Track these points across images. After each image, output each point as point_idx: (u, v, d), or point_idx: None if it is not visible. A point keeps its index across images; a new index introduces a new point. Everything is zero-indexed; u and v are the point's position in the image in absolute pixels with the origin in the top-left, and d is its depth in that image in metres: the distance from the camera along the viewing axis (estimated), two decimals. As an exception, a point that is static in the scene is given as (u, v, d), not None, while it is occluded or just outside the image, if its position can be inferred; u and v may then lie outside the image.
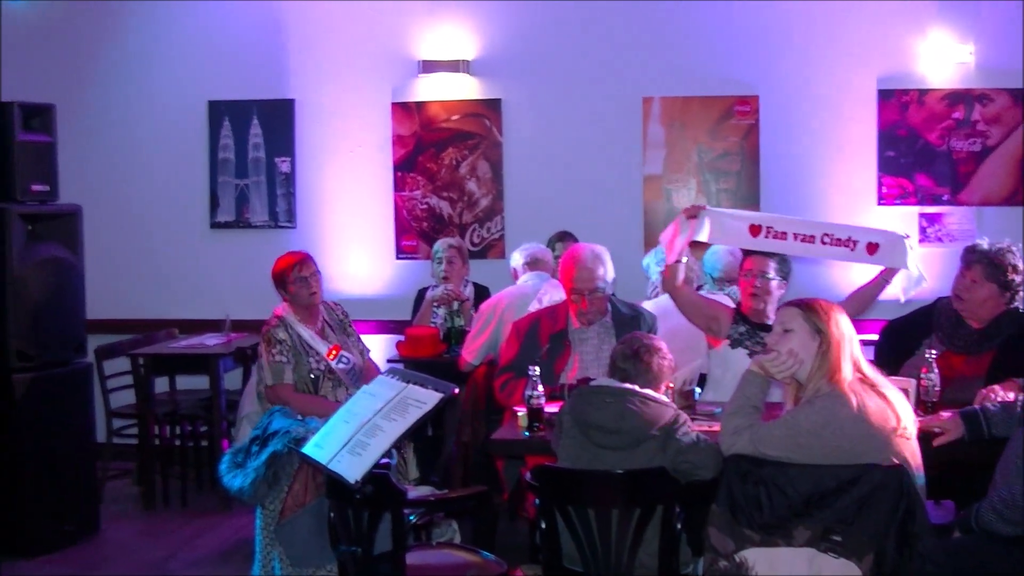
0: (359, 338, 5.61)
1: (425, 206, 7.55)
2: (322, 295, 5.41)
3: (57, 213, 6.15)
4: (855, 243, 4.76)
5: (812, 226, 4.81)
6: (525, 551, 4.66)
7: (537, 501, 3.68)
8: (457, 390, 3.65)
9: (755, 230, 4.74)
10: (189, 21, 7.72)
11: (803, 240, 4.74)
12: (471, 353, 5.81)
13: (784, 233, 4.74)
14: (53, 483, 6.00)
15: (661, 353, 3.96)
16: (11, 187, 6.00)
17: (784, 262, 4.93)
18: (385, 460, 3.55)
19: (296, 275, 5.29)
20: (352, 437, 3.55)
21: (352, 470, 3.42)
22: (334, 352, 5.29)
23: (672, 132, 7.27)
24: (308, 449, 3.73)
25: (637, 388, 3.83)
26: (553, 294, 5.56)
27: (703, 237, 4.79)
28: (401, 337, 6.52)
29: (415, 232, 7.56)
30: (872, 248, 4.76)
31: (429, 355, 6.24)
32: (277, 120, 7.61)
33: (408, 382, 3.69)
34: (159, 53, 7.76)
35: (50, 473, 5.99)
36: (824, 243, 4.75)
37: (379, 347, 6.77)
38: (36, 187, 6.07)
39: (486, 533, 4.99)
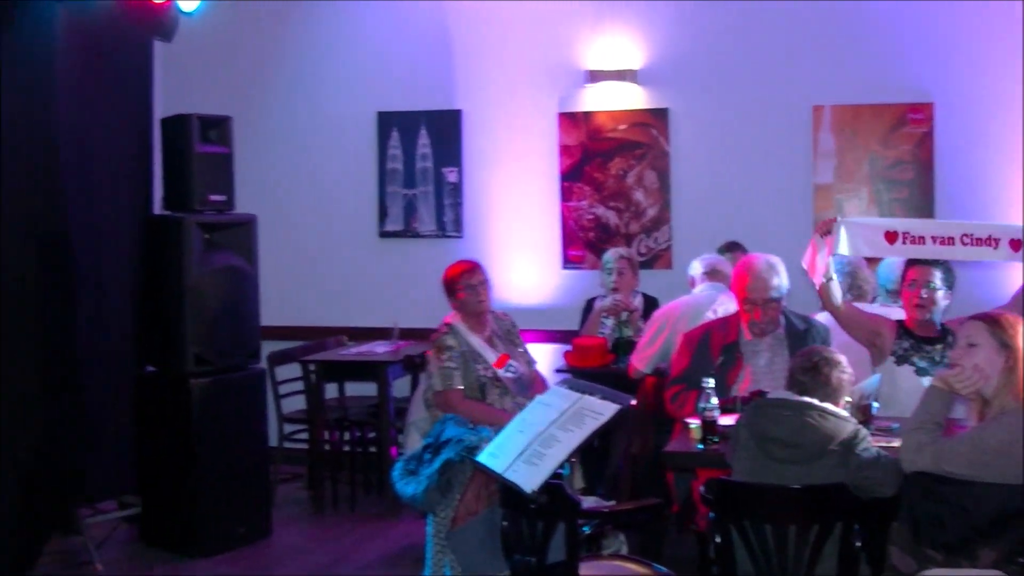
0: (526, 349, 5.66)
1: (592, 216, 7.57)
2: (491, 304, 5.48)
3: (233, 222, 6.34)
4: (996, 241, 4.58)
5: (950, 227, 4.65)
6: (692, 564, 4.73)
7: (711, 515, 3.65)
8: (634, 402, 3.66)
9: (891, 237, 4.61)
10: (359, 34, 7.87)
11: (942, 243, 4.59)
12: (642, 362, 5.80)
13: (922, 237, 4.60)
14: (227, 485, 6.15)
15: (840, 367, 3.90)
16: (189, 197, 6.20)
17: (949, 271, 4.80)
18: (559, 470, 3.55)
19: (465, 283, 5.39)
20: (528, 447, 3.56)
21: (529, 480, 3.44)
22: (502, 361, 5.35)
23: (843, 140, 7.13)
24: (483, 458, 3.76)
25: (816, 402, 3.77)
26: (728, 305, 5.52)
27: (843, 250, 4.67)
28: (568, 347, 6.53)
29: (581, 242, 7.57)
30: (1016, 244, 4.57)
31: (597, 365, 6.24)
32: (445, 131, 7.72)
33: (583, 393, 3.69)
34: (330, 65, 7.93)
35: (225, 476, 6.14)
36: (964, 244, 4.59)
37: (545, 356, 6.81)
38: (213, 197, 6.25)
39: (654, 545, 4.99)
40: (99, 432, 6.28)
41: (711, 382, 4.34)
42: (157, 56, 7.00)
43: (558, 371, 6.43)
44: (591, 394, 3.67)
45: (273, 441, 6.96)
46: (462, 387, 5.25)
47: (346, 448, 7.21)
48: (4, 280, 5.65)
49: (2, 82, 5.61)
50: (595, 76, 7.41)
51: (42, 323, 5.77)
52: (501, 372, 5.33)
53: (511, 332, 5.61)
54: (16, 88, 5.68)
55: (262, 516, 6.42)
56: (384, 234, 7.87)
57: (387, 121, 7.85)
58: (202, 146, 6.21)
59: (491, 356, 5.36)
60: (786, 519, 3.49)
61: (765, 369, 4.90)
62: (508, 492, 3.69)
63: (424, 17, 7.73)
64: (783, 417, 3.74)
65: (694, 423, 4.34)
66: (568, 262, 7.58)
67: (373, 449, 7.15)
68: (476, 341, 5.38)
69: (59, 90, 5.96)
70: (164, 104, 7.13)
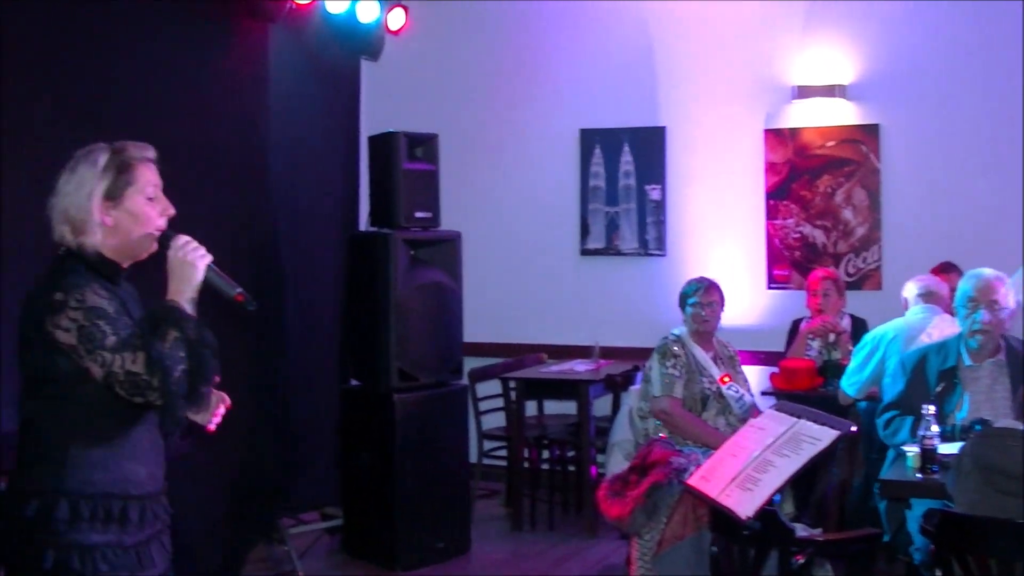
0: (745, 378, 5.65)
1: (798, 235, 7.46)
2: (718, 323, 5.52)
3: (438, 239, 6.41)
4: None
5: None
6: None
7: (932, 547, 3.56)
8: (855, 428, 3.61)
9: None
10: (563, 52, 7.93)
11: None
12: (853, 387, 5.68)
13: None
14: (428, 500, 6.20)
15: (1075, 398, 3.74)
16: (396, 214, 6.27)
17: None
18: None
19: (696, 299, 5.46)
20: (741, 471, 3.56)
21: (743, 505, 3.43)
22: (726, 379, 5.37)
23: (1069, 155, 6.81)
24: (694, 481, 3.76)
25: (1046, 433, 3.64)
26: (943, 328, 5.37)
27: None
28: (773, 369, 6.46)
29: (787, 261, 7.47)
30: None
31: (805, 388, 6.15)
32: (648, 148, 7.71)
33: (799, 417, 3.66)
34: (534, 83, 8.00)
35: (425, 490, 6.18)
36: None
37: (750, 378, 6.62)
38: (419, 214, 6.33)
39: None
40: (303, 444, 6.41)
41: (931, 409, 4.22)
42: (364, 75, 7.12)
43: (764, 394, 6.35)
44: (808, 419, 3.63)
45: (473, 457, 7.01)
46: (681, 397, 5.27)
47: (545, 466, 7.23)
48: (219, 295, 5.78)
49: (217, 101, 5.76)
50: (803, 92, 7.31)
51: (251, 336, 5.90)
52: (725, 389, 5.34)
53: (733, 359, 5.64)
54: (230, 107, 5.85)
55: (461, 532, 6.46)
56: (586, 252, 7.89)
57: (590, 138, 7.88)
58: (409, 163, 6.29)
59: (716, 372, 5.39)
60: (1013, 555, 3.37)
61: (984, 396, 4.72)
62: (719, 517, 3.68)
63: (627, 33, 7.74)
64: (1010, 448, 3.62)
65: (911, 451, 4.24)
66: (773, 282, 7.49)
67: (572, 468, 7.16)
68: (701, 354, 5.43)
69: (270, 109, 6.12)
70: (369, 122, 7.25)
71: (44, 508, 2.67)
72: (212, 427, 2.98)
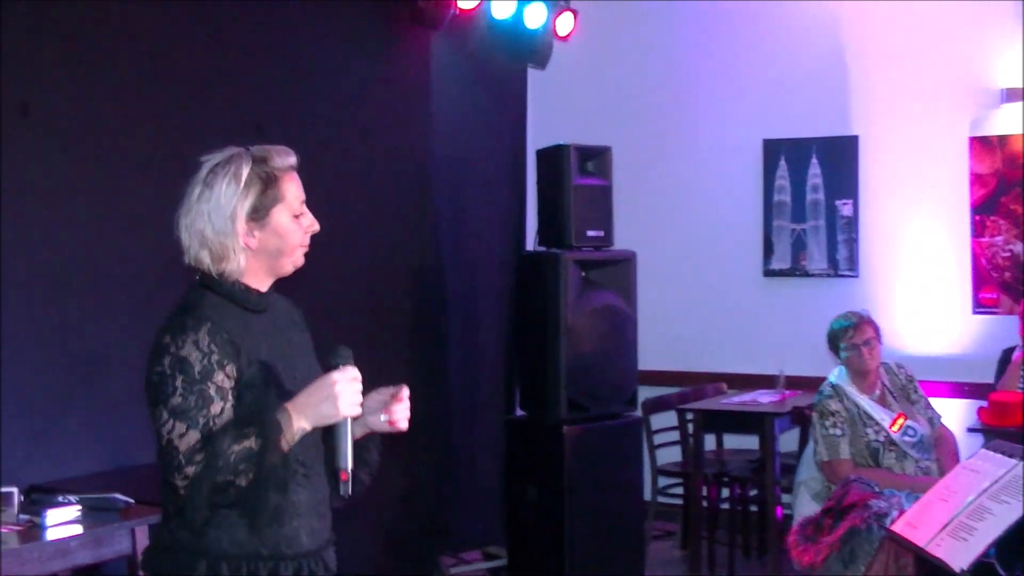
0: (928, 403, 5.49)
1: (1008, 254, 7.19)
2: (880, 359, 5.38)
3: (612, 259, 6.38)
4: None
5: None
6: None
7: None
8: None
9: None
10: (745, 55, 7.85)
11: None
12: (1075, 425, 5.44)
13: None
14: (599, 540, 6.17)
15: None
16: (566, 232, 6.25)
17: None
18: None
19: (849, 341, 5.33)
20: (953, 518, 3.44)
21: (956, 557, 3.32)
22: (899, 422, 5.20)
23: None
24: (899, 528, 3.61)
25: None
26: None
27: None
28: (982, 403, 6.21)
29: (996, 283, 7.21)
30: None
31: (1018, 425, 5.85)
32: (838, 159, 7.55)
33: (1019, 459, 3.48)
34: (713, 89, 7.92)
35: (596, 529, 6.15)
36: None
37: (953, 413, 6.49)
38: (591, 232, 6.31)
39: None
40: (465, 478, 6.49)
41: None
42: (530, 83, 7.20)
43: (970, 430, 6.12)
44: (1028, 460, 3.46)
45: (647, 495, 6.96)
46: (849, 457, 5.15)
47: (725, 506, 7.15)
48: (379, 317, 5.91)
49: (376, 111, 5.87)
50: (1012, 95, 7.06)
51: (411, 361, 6.00)
52: (898, 435, 5.19)
53: (907, 387, 5.50)
54: (390, 117, 5.98)
55: (634, 573, 6.41)
56: (769, 272, 7.77)
57: (774, 150, 7.76)
58: (580, 178, 6.29)
59: (884, 417, 5.23)
60: None
61: None
62: (928, 568, 3.58)
63: (817, 34, 7.62)
64: None
65: None
66: (979, 306, 7.24)
67: (754, 508, 7.07)
68: (865, 402, 5.30)
69: (432, 120, 6.24)
70: (537, 134, 7.29)
71: (181, 568, 2.61)
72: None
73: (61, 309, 4.42)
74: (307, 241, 2.74)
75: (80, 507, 3.83)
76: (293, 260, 2.74)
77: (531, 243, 6.82)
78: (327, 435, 2.66)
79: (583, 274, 6.30)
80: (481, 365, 6.68)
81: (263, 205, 2.67)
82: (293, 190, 2.72)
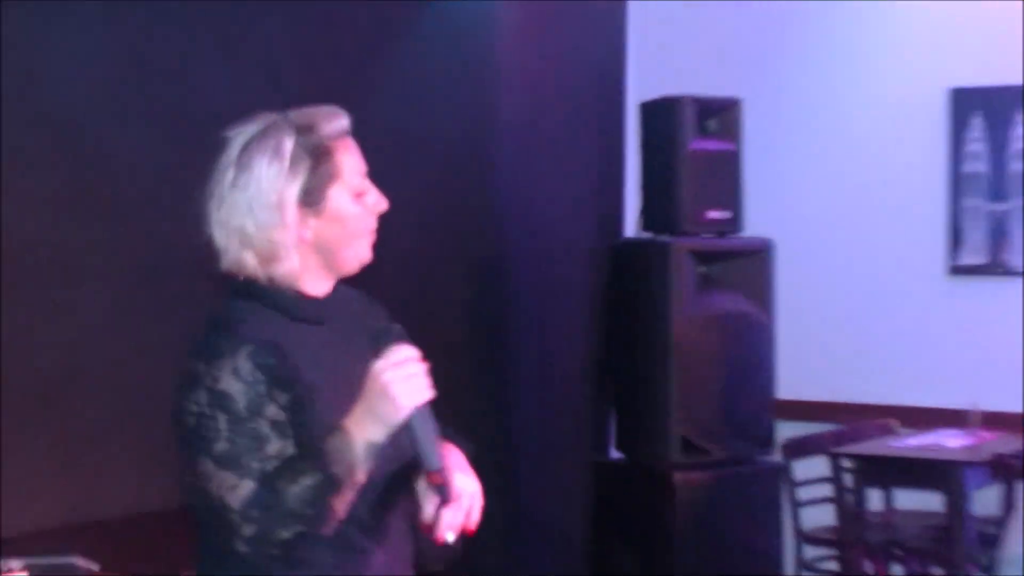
0: None
1: None
2: None
3: (741, 250, 6.46)
4: None
5: None
6: None
7: None
8: None
9: None
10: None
11: None
12: None
13: None
14: None
15: None
16: (678, 214, 6.25)
17: None
18: None
19: None
20: None
21: None
22: None
23: None
24: None
25: None
26: None
27: None
28: None
29: None
30: None
31: None
32: (1056, 115, 7.15)
33: None
34: (877, 24, 7.53)
35: None
36: None
37: None
38: (713, 214, 6.28)
39: None
40: (538, 535, 6.47)
41: None
42: (632, 19, 7.14)
43: None
44: None
45: (788, 568, 6.78)
46: None
47: (897, 585, 6.86)
48: (426, 325, 5.68)
49: (423, 63, 5.91)
50: None
51: (470, 383, 6.00)
52: None
53: None
54: (441, 69, 6.01)
55: (770, 675, 6.35)
56: (957, 270, 7.35)
57: (964, 102, 7.29)
58: (698, 141, 6.28)
59: None
60: None
61: None
62: None
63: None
64: None
65: None
66: None
67: (938, 590, 6.74)
68: None
69: (498, 66, 6.28)
70: (640, 84, 7.11)
71: None
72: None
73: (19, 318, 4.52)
74: (374, 225, 2.80)
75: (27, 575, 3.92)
76: (357, 253, 2.79)
77: (630, 228, 6.85)
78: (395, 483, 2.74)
79: (701, 270, 6.32)
80: (561, 389, 6.62)
81: (316, 186, 2.72)
82: (351, 162, 2.77)
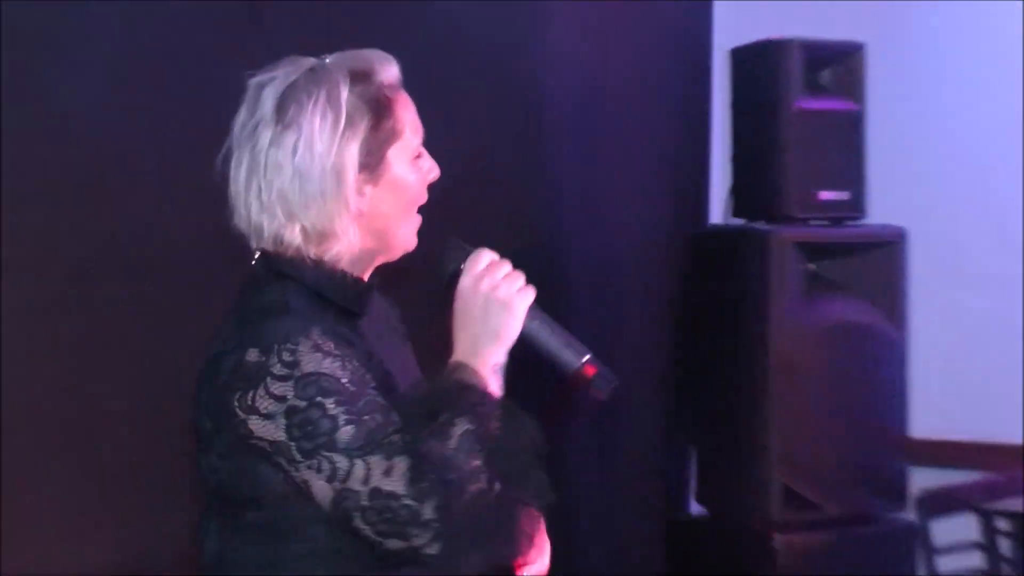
0: None
1: None
2: None
3: (862, 242, 6.15)
4: None
5: None
6: None
7: None
8: None
9: None
10: None
11: None
12: None
13: None
14: None
15: None
16: (779, 193, 6.01)
17: None
18: None
19: None
20: None
21: None
22: None
23: None
24: None
25: None
26: None
27: None
28: None
29: None
30: None
31: None
32: None
33: None
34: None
35: None
36: None
37: None
38: (827, 195, 6.04)
39: None
40: None
41: None
42: None
43: None
44: None
45: None
46: None
47: None
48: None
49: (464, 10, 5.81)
50: None
51: (518, 405, 5.75)
52: None
53: None
54: (481, 18, 5.88)
55: None
56: None
57: None
58: (808, 99, 6.00)
59: None
60: None
61: None
62: None
63: None
64: None
65: None
66: None
67: None
68: None
69: (551, 17, 6.18)
70: (729, 26, 6.86)
71: None
72: None
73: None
74: (425, 198, 2.85)
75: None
76: (408, 232, 2.84)
77: (717, 212, 6.68)
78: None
79: (810, 267, 6.10)
80: (627, 424, 6.41)
81: (376, 146, 2.75)
82: (410, 119, 2.81)
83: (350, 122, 2.69)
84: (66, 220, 4.80)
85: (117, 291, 4.89)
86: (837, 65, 6.16)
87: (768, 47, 6.04)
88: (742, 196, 6.22)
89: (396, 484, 2.55)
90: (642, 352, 6.54)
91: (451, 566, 2.60)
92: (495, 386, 2.74)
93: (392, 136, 2.75)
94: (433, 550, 2.56)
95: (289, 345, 2.59)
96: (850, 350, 6.04)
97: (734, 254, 6.09)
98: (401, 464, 2.56)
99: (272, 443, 2.59)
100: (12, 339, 4.54)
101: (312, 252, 2.71)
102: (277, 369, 2.57)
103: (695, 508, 6.43)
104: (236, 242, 2.80)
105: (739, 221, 6.18)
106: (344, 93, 2.70)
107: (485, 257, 2.79)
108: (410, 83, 5.27)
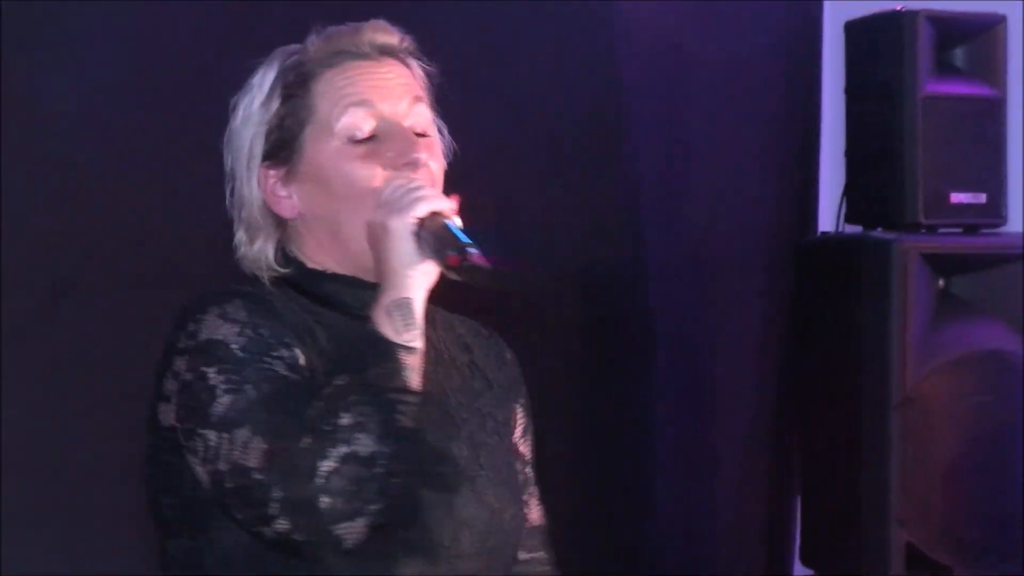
0: None
1: None
2: None
3: (1002, 254, 5.63)
4: None
5: None
6: None
7: None
8: None
9: None
10: None
11: None
12: None
13: None
14: None
15: None
16: (903, 196, 5.51)
17: None
18: None
19: None
20: None
21: None
22: None
23: None
24: None
25: None
26: None
27: None
28: None
29: None
30: None
31: None
32: None
33: None
34: None
35: None
36: None
37: None
38: (959, 197, 5.56)
39: None
40: None
41: None
42: None
43: None
44: None
45: None
46: None
47: None
48: (536, 354, 4.72)
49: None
50: None
51: (585, 431, 5.87)
52: None
53: None
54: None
55: None
56: None
57: None
58: (938, 81, 5.53)
59: None
60: None
61: None
62: None
63: None
64: None
65: None
66: None
67: None
68: None
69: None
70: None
71: None
72: None
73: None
74: (415, 187, 2.65)
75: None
76: (358, 235, 2.68)
77: (828, 219, 6.17)
78: None
79: (940, 284, 5.64)
80: (717, 467, 6.18)
81: (288, 135, 2.71)
82: (346, 92, 2.72)
83: (263, 105, 2.69)
84: (65, 222, 4.82)
85: (118, 293, 4.87)
86: (973, 42, 5.63)
87: (890, 20, 5.53)
88: (858, 198, 5.74)
89: (251, 458, 2.46)
90: (741, 385, 6.27)
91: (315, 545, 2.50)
92: (390, 330, 2.52)
93: (304, 118, 2.68)
94: (297, 535, 2.45)
95: (197, 315, 2.58)
96: (987, 384, 5.56)
97: (848, 268, 5.63)
98: (262, 438, 2.48)
99: (170, 427, 2.58)
100: (12, 339, 4.59)
101: (255, 255, 2.70)
102: (181, 342, 2.56)
103: (799, 571, 6.00)
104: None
105: (854, 228, 5.70)
106: (270, 74, 2.70)
107: (396, 182, 2.60)
108: (484, 74, 5.13)
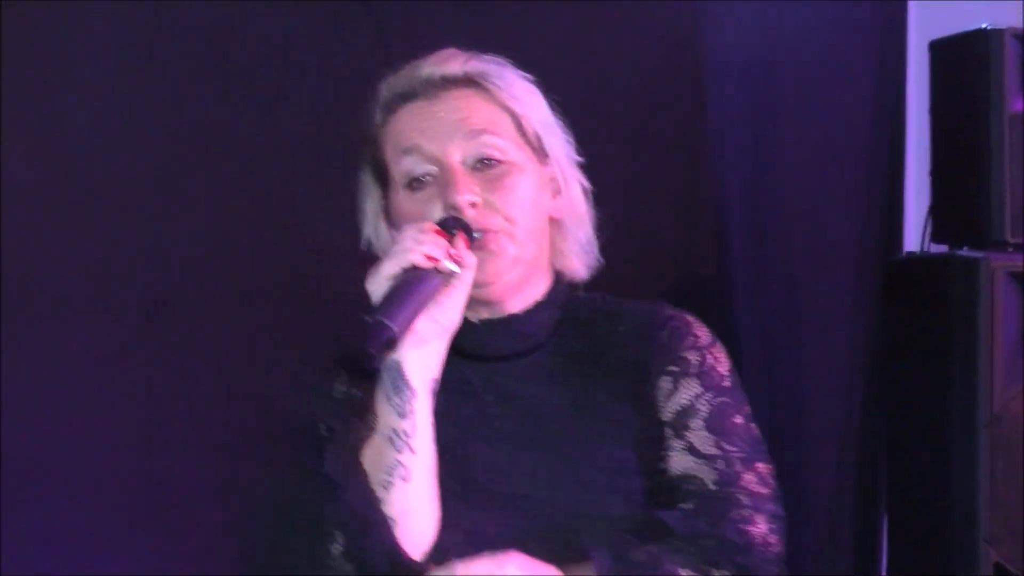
0: None
1: None
2: None
3: None
4: None
5: None
6: None
7: None
8: None
9: None
10: None
11: None
12: None
13: None
14: None
15: None
16: (991, 214, 5.52)
17: None
18: None
19: None
20: None
21: None
22: None
23: None
24: None
25: None
26: None
27: None
28: None
29: None
30: None
31: None
32: None
33: None
34: None
35: None
36: None
37: None
38: None
39: None
40: None
41: None
42: None
43: None
44: None
45: None
46: None
47: None
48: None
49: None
50: None
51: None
52: None
53: None
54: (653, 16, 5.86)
55: None
56: None
57: None
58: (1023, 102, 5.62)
59: None
60: None
61: None
62: None
63: None
64: None
65: None
66: None
67: None
68: None
69: (719, 15, 6.01)
70: (929, 15, 6.46)
71: None
72: None
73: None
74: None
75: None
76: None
77: (914, 238, 6.19)
78: None
79: None
80: (803, 484, 6.05)
81: (381, 180, 2.84)
82: (394, 138, 2.77)
83: (367, 195, 2.81)
84: (66, 226, 4.89)
85: (118, 295, 4.95)
86: (1064, 61, 5.75)
87: (976, 38, 5.58)
88: (944, 217, 5.78)
89: None
90: (828, 404, 6.20)
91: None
92: (383, 397, 2.56)
93: (384, 169, 2.76)
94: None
95: None
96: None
97: (936, 287, 5.65)
98: None
99: None
100: (12, 339, 4.65)
101: None
102: None
103: (890, 583, 6.02)
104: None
105: (941, 247, 5.73)
106: (363, 175, 2.80)
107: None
108: (564, 83, 5.05)
